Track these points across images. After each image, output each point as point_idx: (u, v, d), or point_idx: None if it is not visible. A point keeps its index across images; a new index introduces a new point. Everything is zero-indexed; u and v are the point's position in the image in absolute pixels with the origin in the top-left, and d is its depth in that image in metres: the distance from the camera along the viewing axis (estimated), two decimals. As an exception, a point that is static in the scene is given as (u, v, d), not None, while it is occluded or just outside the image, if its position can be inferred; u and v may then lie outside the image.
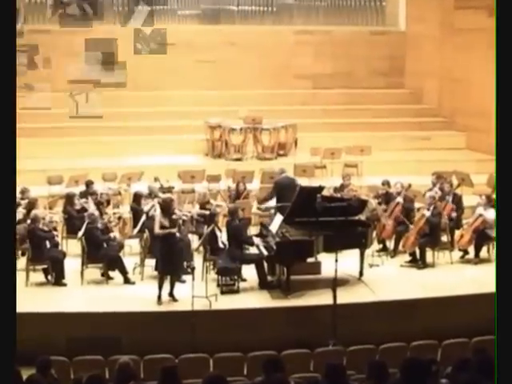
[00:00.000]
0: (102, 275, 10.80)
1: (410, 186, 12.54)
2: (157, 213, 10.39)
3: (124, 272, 10.71)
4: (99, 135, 16.34)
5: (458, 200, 12.38)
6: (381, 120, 17.65)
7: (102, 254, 10.67)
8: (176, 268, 10.07)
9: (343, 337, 9.21)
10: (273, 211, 12.23)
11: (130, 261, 11.08)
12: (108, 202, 12.37)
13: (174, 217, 10.17)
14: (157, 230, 10.03)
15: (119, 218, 11.97)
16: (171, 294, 10.11)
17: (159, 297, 10.03)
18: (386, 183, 12.56)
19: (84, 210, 11.95)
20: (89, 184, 12.60)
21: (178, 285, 10.44)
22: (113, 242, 10.96)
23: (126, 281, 10.69)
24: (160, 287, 10.03)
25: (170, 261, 9.95)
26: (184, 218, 10.71)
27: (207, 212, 11.75)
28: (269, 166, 14.61)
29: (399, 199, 12.13)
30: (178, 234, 10.16)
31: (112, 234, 10.98)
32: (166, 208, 10.15)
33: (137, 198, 12.07)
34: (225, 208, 12.14)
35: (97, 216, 10.92)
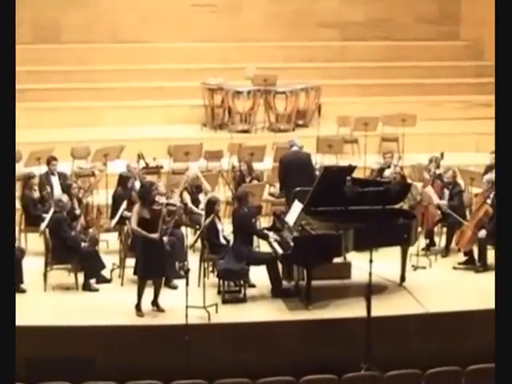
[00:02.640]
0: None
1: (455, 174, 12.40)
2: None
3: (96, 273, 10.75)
4: (68, 100, 16.34)
5: None
6: (429, 81, 17.58)
7: (72, 252, 10.67)
8: (160, 271, 10.07)
9: (380, 359, 9.18)
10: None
11: (106, 260, 11.05)
12: (79, 188, 12.34)
13: (155, 207, 10.09)
14: (133, 224, 10.00)
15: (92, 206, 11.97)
16: (155, 303, 10.12)
17: (138, 306, 10.04)
18: (435, 160, 12.50)
19: (48, 195, 11.94)
20: (50, 161, 12.61)
21: (168, 291, 10.43)
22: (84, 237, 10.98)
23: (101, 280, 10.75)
24: (139, 295, 10.03)
25: (153, 262, 9.94)
26: (171, 207, 10.65)
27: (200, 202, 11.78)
28: (284, 140, 14.52)
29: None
30: (164, 238, 10.15)
31: (79, 225, 10.98)
32: (145, 196, 10.11)
33: (123, 181, 12.01)
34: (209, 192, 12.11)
35: (66, 203, 10.90)
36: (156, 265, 9.96)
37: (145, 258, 9.99)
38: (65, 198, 10.97)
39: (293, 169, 12.00)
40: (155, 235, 9.88)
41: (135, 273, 10.20)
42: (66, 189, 11.98)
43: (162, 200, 10.41)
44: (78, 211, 11.21)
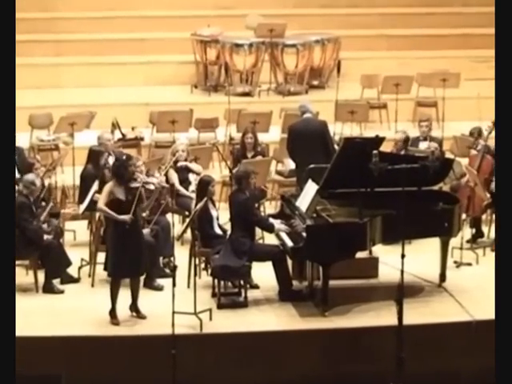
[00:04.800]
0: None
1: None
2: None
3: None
4: (26, 54, 16.23)
5: None
6: (475, 31, 17.56)
7: (32, 245, 10.69)
8: (135, 268, 10.07)
9: (413, 376, 9.21)
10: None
11: (73, 256, 11.09)
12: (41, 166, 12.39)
13: (132, 185, 10.09)
14: (100, 203, 10.03)
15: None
16: (134, 308, 10.17)
17: (113, 312, 10.08)
18: (477, 132, 12.51)
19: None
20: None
21: (151, 294, 10.48)
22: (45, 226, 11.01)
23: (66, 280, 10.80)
24: (113, 298, 10.07)
25: (126, 256, 9.95)
26: (149, 186, 10.65)
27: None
28: (295, 105, 14.50)
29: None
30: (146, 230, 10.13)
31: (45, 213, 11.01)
32: (121, 171, 10.11)
33: (93, 156, 12.01)
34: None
35: (38, 187, 10.94)
36: (130, 260, 9.96)
37: (115, 251, 10.00)
38: (38, 181, 11.05)
39: (303, 141, 11.99)
40: (126, 217, 9.87)
41: (105, 268, 10.24)
42: (23, 168, 11.96)
43: (141, 177, 10.39)
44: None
